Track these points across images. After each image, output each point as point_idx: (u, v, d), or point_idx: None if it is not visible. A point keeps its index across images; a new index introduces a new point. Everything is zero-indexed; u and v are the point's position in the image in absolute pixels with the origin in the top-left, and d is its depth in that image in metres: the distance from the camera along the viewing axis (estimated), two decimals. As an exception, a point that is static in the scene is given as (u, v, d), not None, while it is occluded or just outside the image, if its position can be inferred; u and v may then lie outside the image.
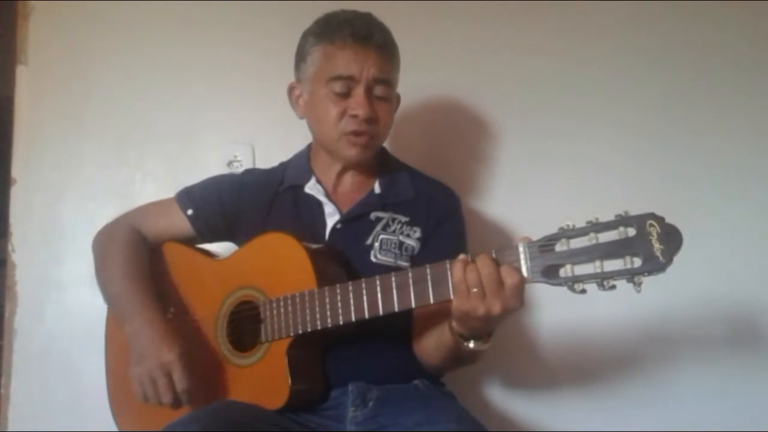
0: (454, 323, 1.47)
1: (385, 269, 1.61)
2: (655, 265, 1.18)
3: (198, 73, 2.33)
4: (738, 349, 2.11)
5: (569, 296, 1.27)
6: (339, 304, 1.51)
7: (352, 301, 1.49)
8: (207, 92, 2.33)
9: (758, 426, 2.05)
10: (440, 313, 1.56)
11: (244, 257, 1.74)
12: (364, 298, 1.47)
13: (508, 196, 2.23)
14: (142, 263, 1.80)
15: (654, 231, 1.18)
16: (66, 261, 2.30)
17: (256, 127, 2.31)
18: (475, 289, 1.33)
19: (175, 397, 1.58)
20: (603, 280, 1.22)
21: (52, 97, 2.36)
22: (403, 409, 1.57)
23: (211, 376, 1.67)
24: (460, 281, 1.35)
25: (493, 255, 1.34)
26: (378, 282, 1.46)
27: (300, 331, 1.55)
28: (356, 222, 1.75)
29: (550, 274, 1.28)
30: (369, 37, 1.69)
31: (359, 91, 1.68)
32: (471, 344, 1.48)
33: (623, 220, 1.22)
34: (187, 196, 1.85)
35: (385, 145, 1.89)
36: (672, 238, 1.18)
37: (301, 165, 1.86)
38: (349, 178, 1.81)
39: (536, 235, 1.32)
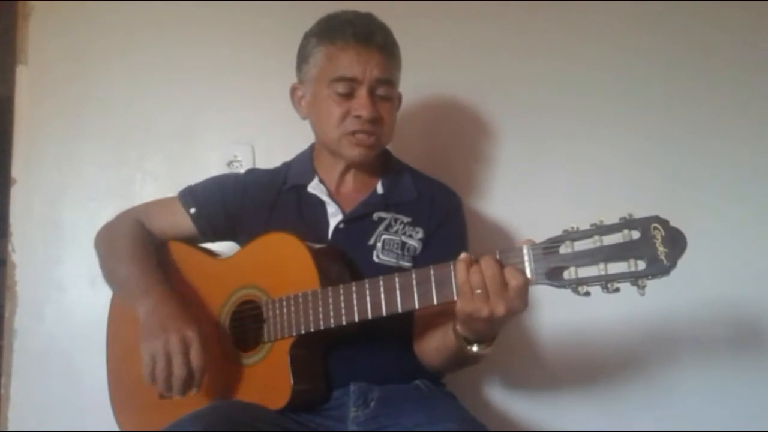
0: (458, 326, 1.47)
1: (387, 269, 1.61)
2: (659, 269, 1.18)
3: (198, 73, 2.34)
4: (740, 351, 2.11)
5: (570, 297, 1.27)
6: (342, 305, 1.51)
7: (355, 301, 1.49)
8: (207, 92, 2.33)
9: (760, 427, 2.06)
10: (443, 314, 1.56)
11: (247, 257, 1.74)
12: (368, 298, 1.47)
13: (508, 196, 2.23)
14: (149, 248, 1.80)
15: (658, 234, 1.18)
16: (66, 261, 2.30)
17: (256, 127, 2.31)
18: (478, 291, 1.33)
19: (188, 374, 1.55)
20: (607, 282, 1.22)
21: (52, 97, 2.36)
22: (404, 410, 1.57)
23: (213, 375, 1.66)
24: (464, 282, 1.35)
25: (497, 257, 1.34)
26: (381, 283, 1.46)
27: (302, 331, 1.55)
28: (359, 222, 1.75)
29: (554, 276, 1.28)
30: (371, 37, 1.69)
31: (362, 92, 1.69)
32: (474, 348, 1.48)
33: (627, 223, 1.22)
34: (191, 195, 1.85)
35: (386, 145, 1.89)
36: (676, 242, 1.18)
37: (304, 165, 1.86)
38: (351, 179, 1.82)
39: (537, 235, 1.33)
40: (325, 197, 1.79)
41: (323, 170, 1.83)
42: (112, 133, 2.34)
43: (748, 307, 2.11)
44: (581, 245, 1.25)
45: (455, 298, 1.37)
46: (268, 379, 1.59)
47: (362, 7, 1.77)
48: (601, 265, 1.22)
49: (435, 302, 1.40)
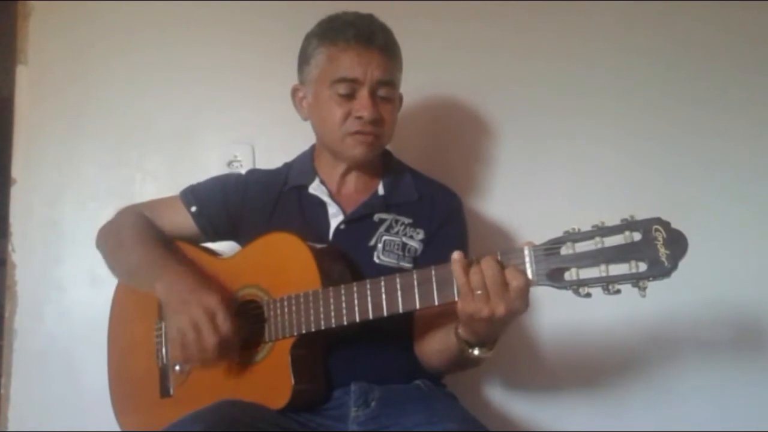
0: (460, 329, 1.47)
1: (387, 270, 1.61)
2: (660, 270, 1.18)
3: (198, 73, 2.34)
4: (740, 351, 2.11)
5: (570, 297, 1.27)
6: (343, 305, 1.51)
7: (356, 301, 1.49)
8: (207, 92, 2.33)
9: (760, 427, 2.06)
10: (444, 316, 1.57)
11: (248, 256, 1.74)
12: (369, 299, 1.48)
13: (508, 196, 2.23)
14: (155, 233, 1.81)
15: (660, 236, 1.19)
16: (66, 261, 2.30)
17: (256, 127, 2.31)
18: (479, 291, 1.33)
19: (219, 340, 1.54)
20: (608, 284, 1.22)
21: (52, 97, 2.36)
22: (405, 410, 1.57)
23: (213, 374, 1.67)
24: (464, 283, 1.35)
25: (499, 258, 1.34)
26: (383, 283, 1.46)
27: (303, 331, 1.55)
28: (360, 223, 1.75)
29: (555, 277, 1.28)
30: (372, 38, 1.70)
31: (363, 93, 1.69)
32: (476, 351, 1.48)
33: (629, 225, 1.22)
34: (192, 194, 1.86)
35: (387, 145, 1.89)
36: (678, 244, 1.18)
37: (305, 165, 1.86)
38: (353, 179, 1.82)
39: (537, 235, 1.33)
40: (326, 198, 1.79)
41: (324, 171, 1.84)
42: (112, 133, 2.34)
43: (748, 307, 2.11)
44: (582, 246, 1.25)
45: (456, 298, 1.37)
46: (269, 378, 1.59)
47: (363, 8, 1.77)
48: (603, 267, 1.22)
49: (436, 303, 1.40)
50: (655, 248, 1.19)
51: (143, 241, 1.76)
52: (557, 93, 2.26)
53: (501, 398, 2.15)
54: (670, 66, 2.25)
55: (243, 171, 1.99)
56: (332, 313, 1.52)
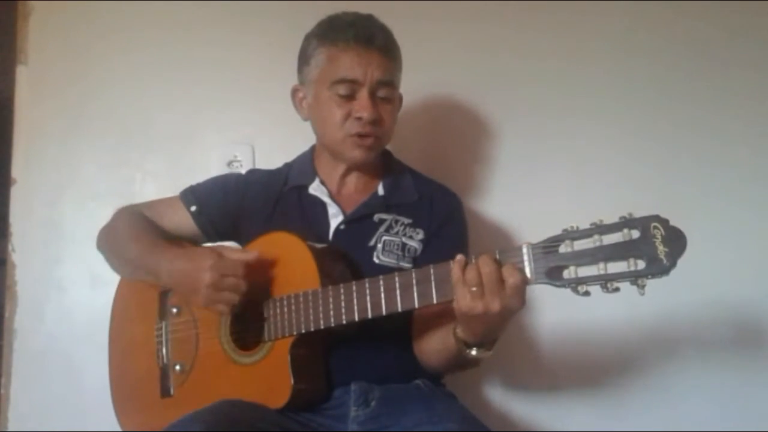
0: (458, 329, 1.48)
1: (387, 271, 1.59)
2: (658, 268, 1.18)
3: (198, 73, 2.33)
4: (740, 351, 2.11)
5: (570, 297, 1.27)
6: (342, 304, 1.51)
7: (355, 300, 1.49)
8: (207, 92, 2.33)
9: (760, 427, 2.05)
10: (443, 315, 1.57)
11: (248, 256, 1.74)
12: (368, 298, 1.48)
13: (508, 196, 2.23)
14: (151, 226, 1.82)
15: (658, 233, 1.18)
16: (66, 261, 2.29)
17: (256, 127, 2.31)
18: (474, 288, 1.33)
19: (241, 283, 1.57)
20: (607, 282, 1.22)
21: (52, 97, 2.36)
22: (405, 409, 1.57)
23: (214, 374, 1.67)
24: (460, 279, 1.35)
25: (497, 256, 1.34)
26: (382, 282, 1.46)
27: (303, 330, 1.55)
28: (359, 223, 1.75)
29: (553, 275, 1.28)
30: (371, 39, 1.70)
31: (363, 94, 1.69)
32: (473, 352, 1.48)
33: (627, 222, 1.22)
34: (192, 194, 1.86)
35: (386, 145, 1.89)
36: (676, 241, 1.18)
37: (305, 166, 1.87)
38: (352, 180, 1.82)
39: (536, 235, 1.32)
40: (326, 198, 1.79)
41: (324, 171, 1.84)
42: (112, 133, 2.34)
43: (747, 307, 2.11)
44: (581, 244, 1.25)
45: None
46: (269, 378, 1.59)
47: (362, 8, 1.77)
48: (601, 265, 1.22)
49: (435, 301, 1.40)
50: (654, 246, 1.18)
51: (140, 235, 1.76)
52: (557, 93, 2.26)
53: (501, 398, 2.15)
54: (670, 66, 2.25)
55: (243, 171, 1.99)
56: (331, 313, 1.52)
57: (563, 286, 1.27)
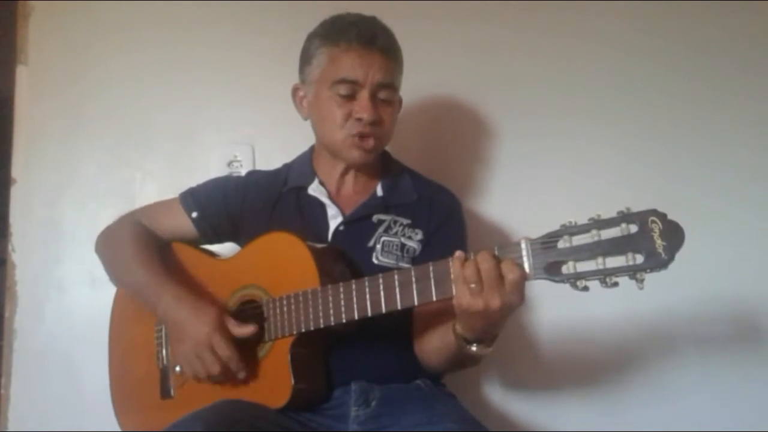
0: (457, 326, 1.47)
1: (386, 271, 1.61)
2: (657, 262, 1.18)
3: (198, 73, 2.34)
4: (740, 349, 2.10)
5: (569, 295, 1.27)
6: (342, 303, 1.50)
7: (355, 299, 1.49)
8: (207, 92, 2.33)
9: (760, 426, 2.05)
10: (443, 314, 1.56)
11: (247, 256, 1.74)
12: (367, 296, 1.47)
13: (507, 196, 2.23)
14: (153, 250, 1.80)
15: (656, 227, 1.18)
16: (66, 261, 2.29)
17: (256, 127, 2.31)
18: (473, 285, 1.33)
19: (223, 366, 1.58)
20: (605, 276, 1.22)
21: (52, 97, 2.36)
22: (405, 409, 1.57)
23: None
24: (459, 276, 1.35)
25: (495, 252, 1.34)
26: (381, 280, 1.46)
27: (303, 330, 1.55)
28: (358, 224, 1.75)
29: (552, 270, 1.27)
30: (373, 40, 1.70)
31: (364, 95, 1.69)
32: (474, 348, 1.48)
33: (625, 217, 1.22)
34: (192, 198, 1.85)
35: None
36: (674, 235, 1.18)
37: (304, 166, 1.86)
38: (351, 180, 1.82)
39: (536, 235, 1.32)
40: (325, 199, 1.79)
41: (323, 172, 1.84)
42: (112, 133, 2.34)
43: (747, 304, 2.11)
44: (579, 240, 1.25)
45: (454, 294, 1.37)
46: (269, 378, 1.59)
47: (362, 7, 1.77)
48: (600, 260, 1.22)
49: (434, 298, 1.40)
50: (652, 240, 1.18)
51: (140, 263, 1.75)
52: (557, 93, 2.26)
53: (500, 398, 2.15)
54: (670, 66, 2.25)
55: (243, 171, 2.00)
56: (331, 311, 1.52)
57: (562, 281, 1.27)
